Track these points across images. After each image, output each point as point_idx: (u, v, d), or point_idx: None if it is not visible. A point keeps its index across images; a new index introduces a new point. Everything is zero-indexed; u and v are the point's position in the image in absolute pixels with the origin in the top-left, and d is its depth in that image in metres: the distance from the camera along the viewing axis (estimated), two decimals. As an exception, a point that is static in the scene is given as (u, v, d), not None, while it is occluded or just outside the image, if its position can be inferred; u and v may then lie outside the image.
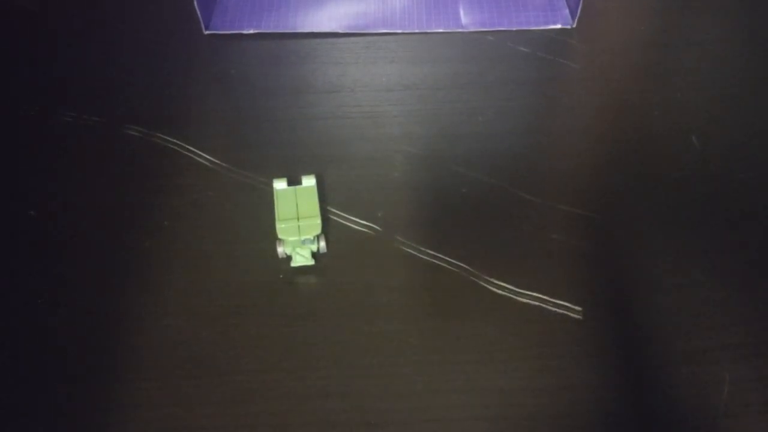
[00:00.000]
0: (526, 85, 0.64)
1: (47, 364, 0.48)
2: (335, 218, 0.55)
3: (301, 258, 0.52)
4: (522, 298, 0.50)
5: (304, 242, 0.51)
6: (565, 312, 0.50)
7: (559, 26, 0.69)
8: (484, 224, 0.54)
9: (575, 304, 0.50)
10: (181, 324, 0.50)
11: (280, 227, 0.51)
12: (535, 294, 0.51)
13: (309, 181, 0.54)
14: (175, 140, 0.60)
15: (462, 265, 0.52)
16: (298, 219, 0.51)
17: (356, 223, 0.55)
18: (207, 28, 0.69)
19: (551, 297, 0.51)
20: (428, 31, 0.69)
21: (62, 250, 0.54)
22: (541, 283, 0.51)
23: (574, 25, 0.69)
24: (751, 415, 0.45)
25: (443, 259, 0.53)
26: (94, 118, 0.62)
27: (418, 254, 0.53)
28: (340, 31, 0.69)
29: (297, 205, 0.52)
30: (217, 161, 0.59)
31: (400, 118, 0.62)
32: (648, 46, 0.68)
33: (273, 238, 0.52)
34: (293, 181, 0.54)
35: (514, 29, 0.69)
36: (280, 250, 0.52)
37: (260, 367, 0.48)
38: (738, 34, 0.68)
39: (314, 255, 0.52)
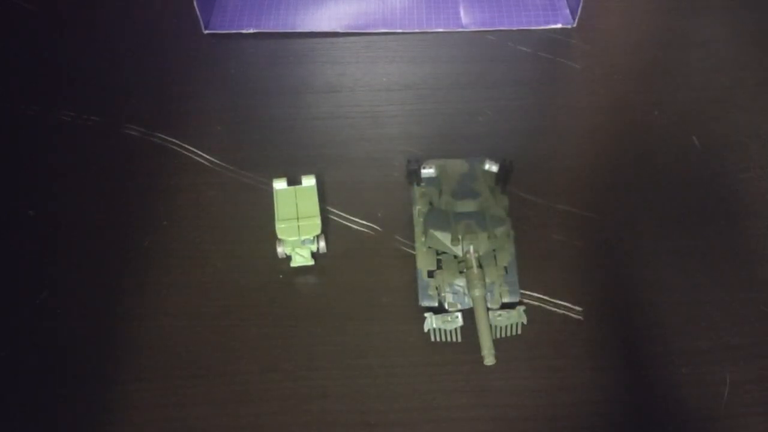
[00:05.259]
0: (527, 85, 0.64)
1: (46, 363, 0.48)
2: (335, 218, 0.55)
3: (301, 258, 0.52)
4: (522, 298, 0.50)
5: (303, 242, 0.51)
6: (565, 312, 0.50)
7: (559, 26, 0.69)
8: (484, 224, 0.54)
9: (575, 304, 0.50)
10: (181, 324, 0.50)
11: (280, 227, 0.51)
12: (535, 294, 0.51)
13: (309, 181, 0.54)
14: (174, 140, 0.60)
15: (462, 265, 0.52)
16: (297, 219, 0.51)
17: (356, 223, 0.55)
18: (207, 28, 0.69)
19: (551, 297, 0.51)
20: (428, 30, 0.69)
21: (61, 249, 0.54)
22: (541, 283, 0.51)
23: (575, 25, 0.69)
24: (751, 416, 0.45)
25: (443, 259, 0.52)
26: (93, 117, 0.62)
27: (418, 254, 0.53)
28: (340, 30, 0.69)
29: (297, 205, 0.52)
30: (216, 161, 0.59)
31: (400, 118, 0.62)
32: (648, 46, 0.68)
33: (273, 238, 0.52)
34: (293, 181, 0.54)
35: (515, 29, 0.69)
36: (280, 250, 0.52)
37: (260, 368, 0.48)
38: (738, 34, 0.68)
39: (314, 255, 0.52)
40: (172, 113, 0.62)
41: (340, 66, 0.66)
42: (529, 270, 0.52)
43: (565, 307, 0.50)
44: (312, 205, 0.52)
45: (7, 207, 0.56)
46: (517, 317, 0.48)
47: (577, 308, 0.50)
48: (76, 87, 0.65)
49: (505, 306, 0.49)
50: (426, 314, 0.48)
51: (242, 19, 0.69)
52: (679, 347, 0.48)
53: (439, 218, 0.50)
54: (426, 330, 0.48)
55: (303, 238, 0.51)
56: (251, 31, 0.69)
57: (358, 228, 0.55)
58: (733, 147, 0.59)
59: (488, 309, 0.48)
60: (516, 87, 0.64)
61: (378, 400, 0.46)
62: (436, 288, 0.49)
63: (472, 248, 0.49)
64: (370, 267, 0.52)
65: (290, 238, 0.51)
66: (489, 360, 0.45)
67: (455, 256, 0.50)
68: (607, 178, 0.57)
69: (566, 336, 0.49)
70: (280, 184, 0.53)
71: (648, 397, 0.46)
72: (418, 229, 0.52)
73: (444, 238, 0.49)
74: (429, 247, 0.51)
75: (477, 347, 0.46)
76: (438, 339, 0.48)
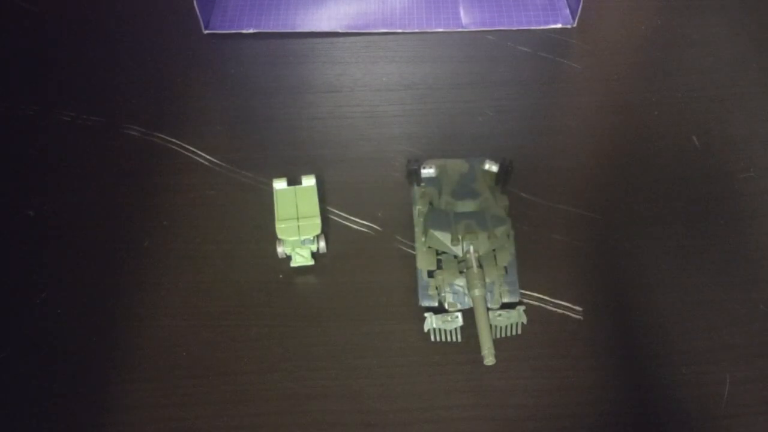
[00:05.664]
0: (527, 85, 0.64)
1: (45, 363, 0.48)
2: (335, 218, 0.55)
3: (301, 258, 0.52)
4: (522, 298, 0.50)
5: (303, 242, 0.51)
6: (565, 312, 0.50)
7: (559, 26, 0.69)
8: (484, 224, 0.54)
9: (575, 304, 0.50)
10: (181, 324, 0.50)
11: (280, 227, 0.51)
12: (535, 294, 0.51)
13: (309, 181, 0.54)
14: (174, 140, 0.60)
15: (462, 265, 0.52)
16: (297, 219, 0.51)
17: (356, 223, 0.55)
18: (207, 28, 0.69)
19: (551, 297, 0.51)
20: (428, 30, 0.69)
21: (61, 250, 0.54)
22: (541, 283, 0.51)
23: (575, 25, 0.69)
24: (751, 415, 0.45)
25: (443, 259, 0.52)
26: (93, 117, 0.62)
27: (418, 254, 0.53)
28: (340, 30, 0.69)
29: (297, 205, 0.52)
30: (216, 161, 0.59)
31: (400, 118, 0.62)
32: (648, 45, 0.68)
33: (273, 238, 0.52)
34: (293, 181, 0.54)
35: (515, 29, 0.69)
36: (280, 250, 0.52)
37: (260, 368, 0.48)
38: (738, 34, 0.68)
39: (314, 255, 0.52)
40: (172, 113, 0.62)
41: (340, 66, 0.66)
42: (529, 270, 0.52)
43: (565, 307, 0.50)
44: (312, 205, 0.52)
45: (7, 207, 0.56)
46: (517, 317, 0.48)
47: (577, 308, 0.50)
48: (76, 87, 0.65)
49: (505, 306, 0.49)
50: (426, 314, 0.49)
51: (242, 19, 0.69)
52: (679, 347, 0.48)
53: (439, 218, 0.50)
54: (426, 330, 0.48)
55: (303, 238, 0.51)
56: (251, 31, 0.69)
57: (358, 228, 0.55)
58: (733, 147, 0.59)
59: (488, 309, 0.48)
60: (516, 87, 0.64)
61: (378, 400, 0.46)
62: (436, 288, 0.49)
63: (472, 248, 0.49)
64: (370, 267, 0.52)
65: (290, 238, 0.51)
66: (489, 360, 0.45)
67: (455, 256, 0.50)
68: (607, 178, 0.57)
69: (566, 336, 0.49)
70: (280, 184, 0.54)
71: (648, 397, 0.46)
72: (418, 229, 0.52)
73: (444, 238, 0.49)
74: (429, 247, 0.51)
75: (477, 347, 0.46)
76: (438, 339, 0.48)
